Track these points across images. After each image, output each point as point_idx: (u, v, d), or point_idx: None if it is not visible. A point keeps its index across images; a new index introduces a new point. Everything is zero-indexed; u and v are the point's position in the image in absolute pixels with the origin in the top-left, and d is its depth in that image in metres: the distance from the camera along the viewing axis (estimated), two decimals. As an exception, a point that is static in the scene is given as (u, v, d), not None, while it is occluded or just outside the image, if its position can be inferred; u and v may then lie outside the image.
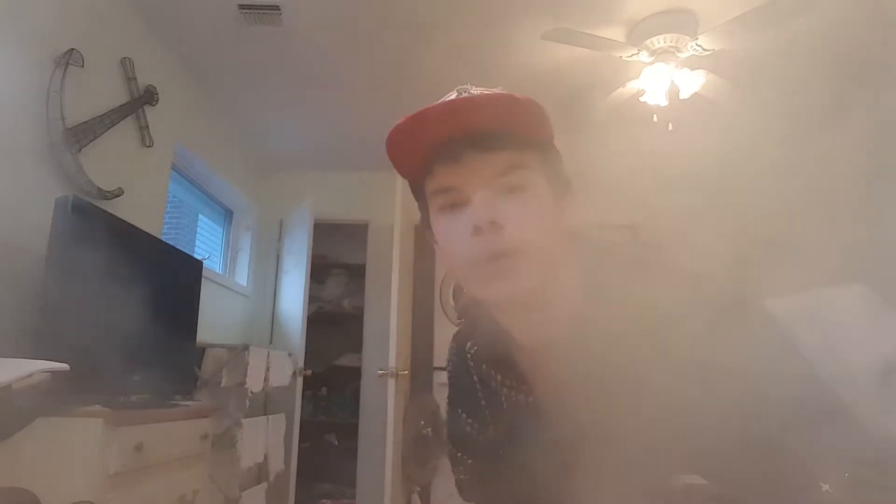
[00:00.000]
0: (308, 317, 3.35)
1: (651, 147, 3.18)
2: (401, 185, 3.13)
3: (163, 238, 2.50)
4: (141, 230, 2.00)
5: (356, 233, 4.26)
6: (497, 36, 2.54)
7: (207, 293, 2.57)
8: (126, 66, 2.29)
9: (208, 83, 2.95)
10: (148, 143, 2.43)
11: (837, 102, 2.92)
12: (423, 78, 2.87)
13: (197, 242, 3.28)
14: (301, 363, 3.22)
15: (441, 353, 3.67)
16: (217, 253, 3.58)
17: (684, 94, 2.57)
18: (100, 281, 1.75)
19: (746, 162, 3.49)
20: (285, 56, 2.70)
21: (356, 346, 4.01)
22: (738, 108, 2.84)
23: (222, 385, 2.49)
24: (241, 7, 2.33)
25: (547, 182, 0.65)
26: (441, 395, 3.54)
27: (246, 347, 2.62)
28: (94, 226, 1.73)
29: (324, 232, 4.07)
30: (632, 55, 2.50)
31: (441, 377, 3.62)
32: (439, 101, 0.64)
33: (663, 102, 2.57)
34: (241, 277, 3.73)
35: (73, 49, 1.91)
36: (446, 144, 0.62)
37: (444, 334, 3.69)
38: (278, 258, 3.85)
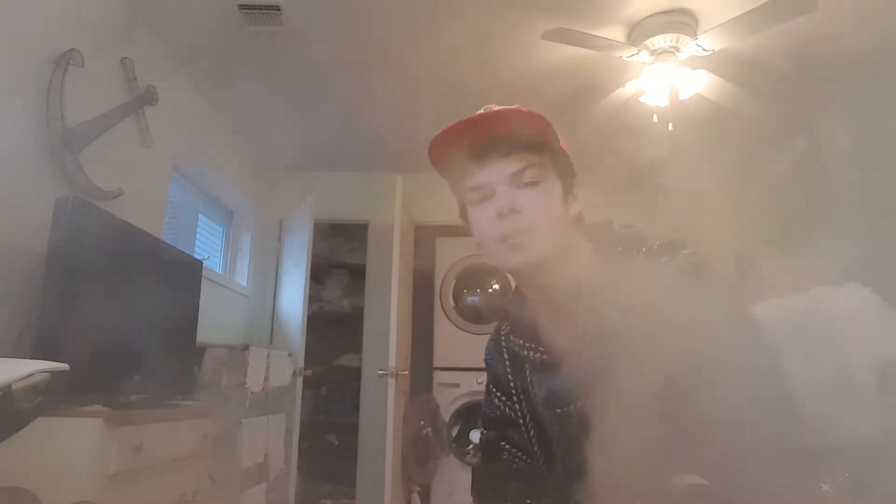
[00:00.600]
0: (308, 317, 3.35)
1: (651, 147, 3.19)
2: (400, 185, 3.13)
3: (163, 238, 2.50)
4: (141, 230, 2.00)
5: (356, 233, 4.26)
6: (497, 36, 2.54)
7: (207, 293, 2.56)
8: (126, 66, 2.29)
9: (208, 83, 2.95)
10: (148, 144, 2.43)
11: (838, 102, 2.92)
12: (423, 78, 2.87)
13: (197, 242, 3.27)
14: (301, 363, 3.22)
15: (441, 353, 3.67)
16: (217, 253, 3.58)
17: (684, 95, 2.57)
18: (100, 281, 1.75)
19: (747, 162, 3.49)
20: (285, 56, 2.70)
21: (356, 346, 4.01)
22: (738, 108, 2.84)
23: (222, 385, 2.49)
24: (241, 7, 2.33)
25: (557, 178, 0.82)
26: (441, 395, 3.55)
27: (246, 347, 2.62)
28: (94, 226, 1.73)
29: (324, 232, 4.07)
30: (632, 55, 2.50)
31: (441, 377, 3.62)
32: (468, 116, 0.81)
33: (663, 102, 2.57)
34: (241, 277, 3.73)
35: (73, 49, 1.91)
36: (476, 150, 0.81)
37: (444, 334, 3.69)
38: (278, 258, 3.85)
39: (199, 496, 1.89)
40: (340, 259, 4.43)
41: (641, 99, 2.66)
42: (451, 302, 3.77)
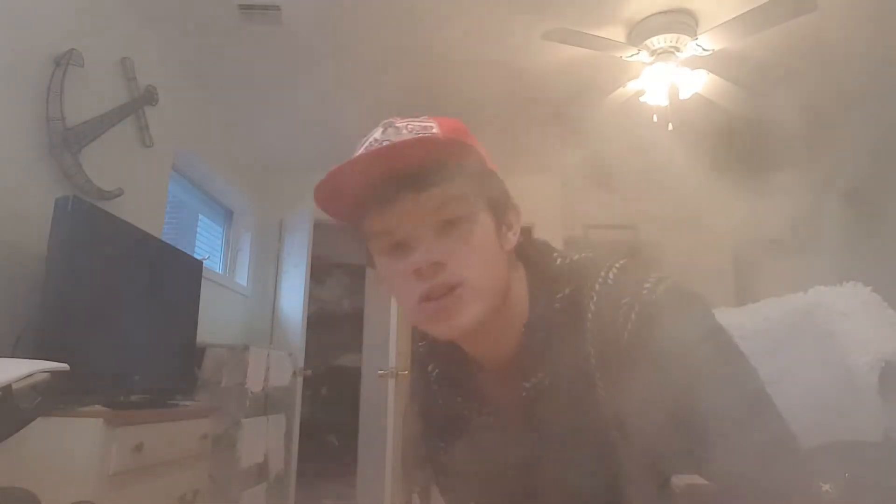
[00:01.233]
0: (308, 317, 3.35)
1: (651, 147, 3.18)
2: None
3: (163, 238, 2.50)
4: (141, 230, 2.00)
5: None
6: (497, 36, 2.54)
7: (207, 293, 2.56)
8: (126, 66, 2.29)
9: (208, 83, 2.95)
10: (148, 144, 2.43)
11: (839, 102, 2.93)
12: (422, 78, 2.87)
13: (197, 242, 3.27)
14: (301, 363, 3.22)
15: (441, 353, 3.66)
16: (217, 253, 3.58)
17: (684, 95, 2.57)
18: (100, 281, 1.75)
19: (747, 162, 3.49)
20: (285, 56, 2.70)
21: (356, 346, 4.01)
22: (738, 108, 2.84)
23: (222, 385, 2.49)
24: (241, 7, 2.33)
25: (485, 208, 0.64)
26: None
27: (246, 347, 2.62)
28: (94, 226, 1.73)
29: (324, 232, 4.07)
30: (632, 55, 2.50)
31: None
32: (362, 149, 0.64)
33: (663, 102, 2.57)
34: (241, 277, 3.73)
35: (73, 49, 1.91)
36: (376, 188, 0.61)
37: (444, 334, 3.69)
38: (278, 258, 3.85)
39: (199, 496, 1.89)
40: (340, 259, 4.43)
41: (641, 99, 2.66)
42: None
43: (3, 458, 1.11)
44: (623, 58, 2.52)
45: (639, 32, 2.42)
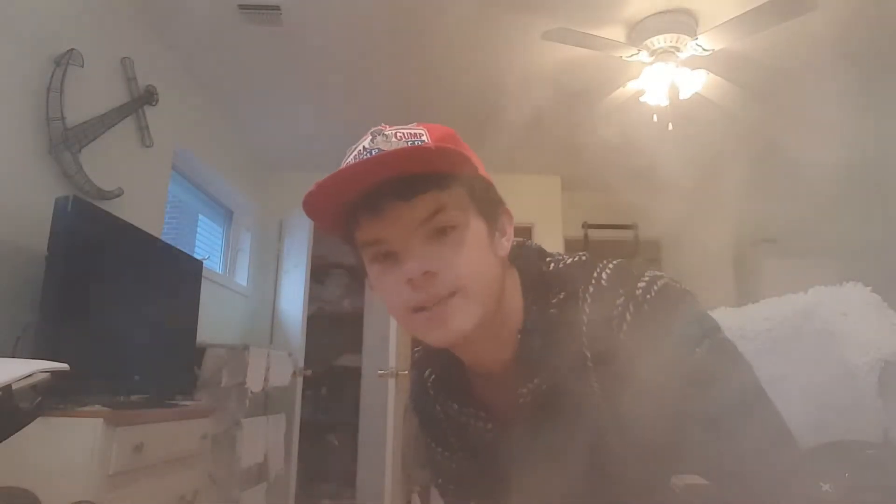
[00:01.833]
0: (308, 317, 3.35)
1: (651, 147, 3.18)
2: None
3: (163, 238, 2.50)
4: (141, 230, 2.00)
5: (356, 233, 4.25)
6: (497, 36, 2.54)
7: (207, 293, 2.57)
8: (126, 66, 2.29)
9: (208, 83, 2.95)
10: (148, 144, 2.43)
11: (840, 101, 2.92)
12: (422, 78, 2.88)
13: (197, 242, 3.28)
14: (301, 363, 3.22)
15: (441, 353, 3.66)
16: (217, 253, 3.58)
17: (684, 94, 2.57)
18: (99, 281, 1.75)
19: (747, 162, 3.49)
20: (285, 56, 2.70)
21: (356, 346, 4.01)
22: (738, 109, 2.84)
23: (222, 385, 2.49)
24: (241, 7, 2.33)
25: (477, 215, 0.64)
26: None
27: (246, 347, 2.62)
28: (94, 226, 1.73)
29: (324, 232, 4.05)
30: (632, 55, 2.50)
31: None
32: (350, 158, 0.64)
33: (663, 102, 2.57)
34: (241, 277, 3.73)
35: (73, 49, 1.91)
36: (366, 198, 0.61)
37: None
38: (278, 258, 3.85)
39: (199, 496, 1.89)
40: (340, 259, 4.43)
41: (641, 99, 2.66)
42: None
43: (3, 458, 1.11)
44: (623, 58, 2.52)
45: (639, 32, 2.42)
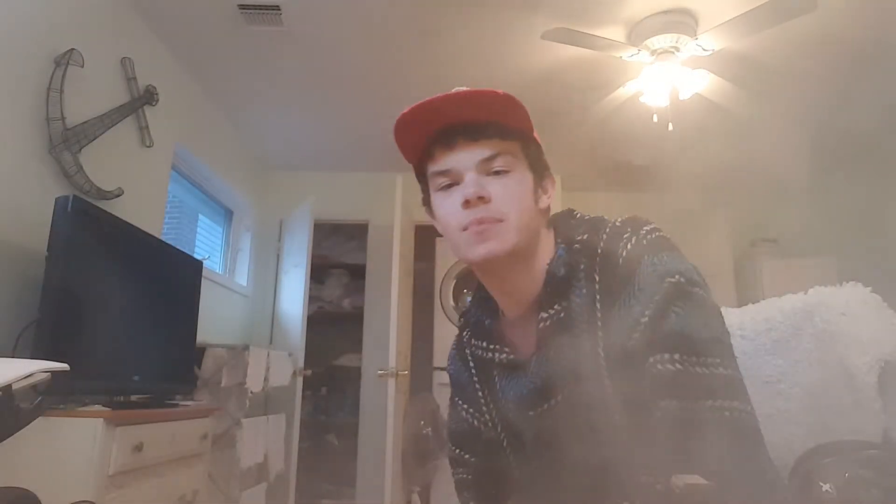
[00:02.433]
0: (308, 317, 3.35)
1: (651, 147, 3.19)
2: (400, 185, 3.13)
3: (163, 238, 2.50)
4: (141, 230, 2.00)
5: (356, 233, 4.26)
6: (497, 36, 2.54)
7: (207, 293, 2.57)
8: (126, 66, 2.29)
9: (208, 83, 2.95)
10: (148, 144, 2.43)
11: (839, 100, 2.92)
12: (422, 78, 2.87)
13: (197, 242, 3.28)
14: (301, 363, 3.21)
15: (441, 353, 3.67)
16: (217, 253, 3.58)
17: (684, 95, 2.57)
18: (100, 281, 1.75)
19: (748, 162, 3.50)
20: (285, 56, 2.70)
21: (356, 346, 4.01)
22: (738, 109, 2.84)
23: (222, 385, 2.49)
24: (241, 7, 2.33)
25: (528, 168, 0.77)
26: (441, 395, 3.54)
27: (246, 347, 2.62)
28: (94, 226, 1.73)
29: (324, 232, 4.07)
30: (632, 55, 2.50)
31: (441, 377, 3.62)
32: (438, 95, 0.74)
33: (663, 102, 2.57)
34: (241, 277, 3.73)
35: (73, 49, 1.91)
36: (443, 132, 0.75)
37: (444, 334, 3.69)
38: (278, 258, 3.85)
39: (199, 496, 1.89)
40: (340, 259, 4.43)
41: (641, 99, 2.66)
42: (451, 302, 3.76)
43: (3, 458, 1.11)
44: (623, 58, 2.52)
45: (639, 32, 2.42)
